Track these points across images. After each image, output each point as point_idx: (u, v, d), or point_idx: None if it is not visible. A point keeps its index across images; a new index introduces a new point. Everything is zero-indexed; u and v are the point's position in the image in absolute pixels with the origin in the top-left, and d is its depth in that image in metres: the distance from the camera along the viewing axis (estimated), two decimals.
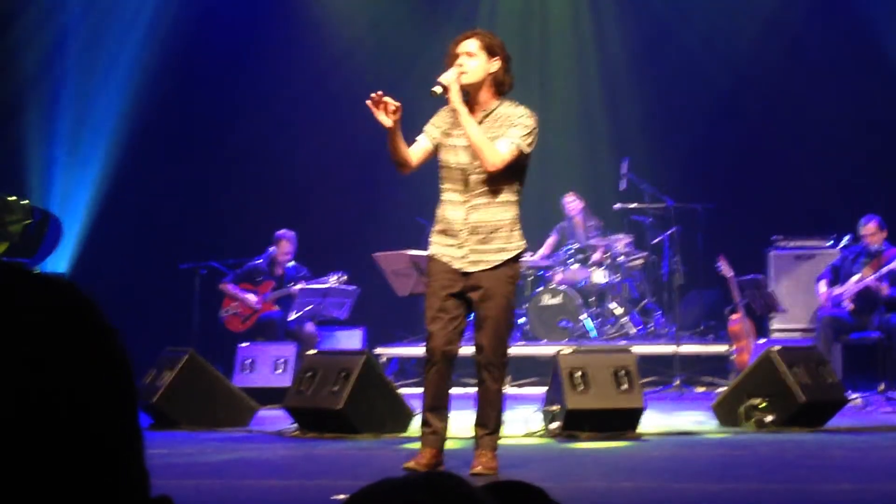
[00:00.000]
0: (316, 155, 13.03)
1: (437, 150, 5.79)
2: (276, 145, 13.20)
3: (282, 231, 11.25)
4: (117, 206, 12.64)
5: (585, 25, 14.11)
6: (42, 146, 12.45)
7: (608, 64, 13.87)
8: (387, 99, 5.48)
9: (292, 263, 11.33)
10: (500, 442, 7.11)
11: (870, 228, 10.25)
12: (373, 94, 5.48)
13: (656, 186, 11.73)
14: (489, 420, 5.74)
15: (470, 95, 5.66)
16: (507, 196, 5.72)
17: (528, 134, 5.69)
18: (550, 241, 12.77)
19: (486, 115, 5.68)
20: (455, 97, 5.56)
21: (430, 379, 5.72)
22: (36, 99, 12.52)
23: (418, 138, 5.82)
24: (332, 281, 10.97)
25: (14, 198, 9.35)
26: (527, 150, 5.68)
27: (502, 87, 5.79)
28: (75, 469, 0.86)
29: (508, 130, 5.64)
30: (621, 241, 12.27)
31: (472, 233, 5.67)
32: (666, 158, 12.81)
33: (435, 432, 5.71)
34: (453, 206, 5.74)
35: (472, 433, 5.85)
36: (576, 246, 12.33)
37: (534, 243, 12.72)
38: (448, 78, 5.57)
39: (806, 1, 13.06)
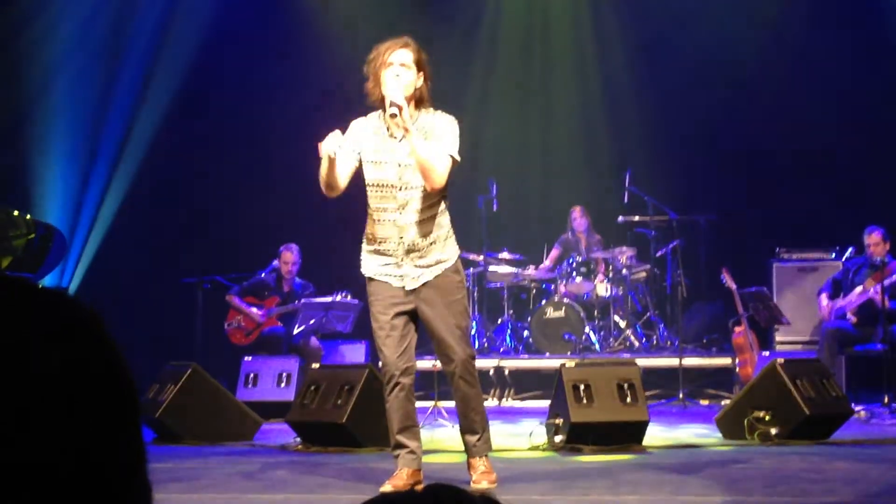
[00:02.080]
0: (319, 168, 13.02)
1: (359, 164, 5.61)
2: (280, 160, 13.21)
3: (285, 244, 11.30)
4: (121, 220, 12.66)
5: (587, 38, 14.14)
6: (46, 160, 12.46)
7: (610, 77, 13.90)
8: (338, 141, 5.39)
9: (299, 280, 11.37)
10: (505, 455, 7.11)
11: (873, 239, 10.25)
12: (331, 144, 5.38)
13: (659, 199, 11.73)
14: (476, 424, 5.67)
15: None
16: (438, 208, 5.59)
17: (457, 141, 5.54)
18: (554, 253, 12.77)
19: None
20: (407, 117, 5.37)
21: (395, 402, 5.62)
22: (40, 113, 12.53)
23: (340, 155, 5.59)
24: (337, 298, 10.99)
25: (17, 212, 9.35)
26: (458, 158, 5.53)
27: (423, 102, 5.60)
28: (78, 484, 0.86)
29: (440, 142, 5.47)
30: (624, 254, 12.28)
31: (408, 251, 5.54)
32: (668, 171, 12.82)
33: (412, 452, 5.63)
34: (384, 225, 5.58)
35: (462, 443, 5.79)
36: (579, 259, 12.33)
37: (537, 255, 12.75)
38: (400, 98, 5.39)
39: (809, 11, 13.06)
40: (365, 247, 5.70)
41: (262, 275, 11.32)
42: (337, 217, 13.04)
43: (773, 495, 5.45)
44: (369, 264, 5.67)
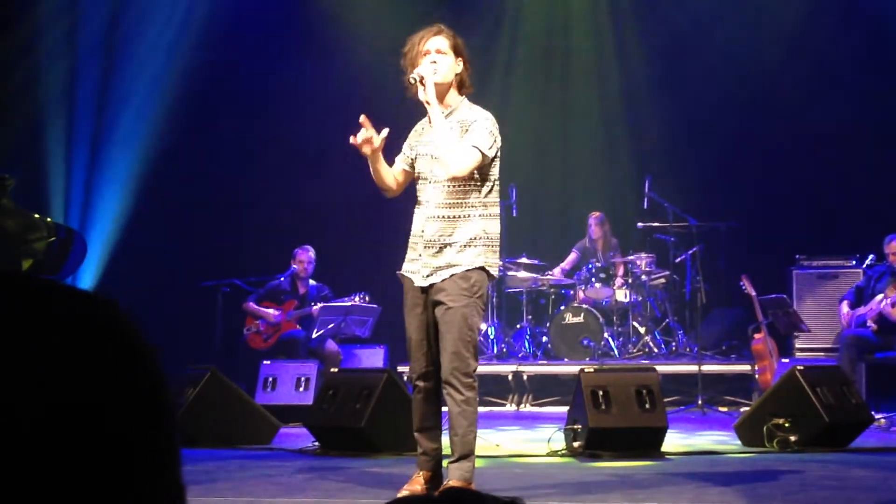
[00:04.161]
0: (339, 172, 13.04)
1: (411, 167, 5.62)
2: (300, 163, 13.23)
3: (300, 246, 11.33)
4: (140, 223, 12.70)
5: (607, 44, 14.13)
6: (67, 163, 12.51)
7: (630, 83, 13.88)
8: (366, 133, 5.41)
9: (314, 283, 11.38)
10: (523, 461, 7.10)
11: (893, 248, 10.20)
12: (362, 134, 5.40)
13: (679, 205, 11.70)
14: (455, 446, 5.38)
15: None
16: (464, 210, 5.43)
17: (489, 136, 5.43)
18: (571, 258, 12.77)
19: (448, 115, 5.49)
20: (431, 92, 5.37)
21: (414, 404, 5.60)
22: (61, 117, 12.59)
23: (397, 159, 5.68)
24: (356, 301, 11.00)
25: (38, 215, 9.39)
26: (489, 154, 5.39)
27: (464, 88, 5.58)
28: (110, 484, 0.87)
29: (469, 135, 5.39)
30: (644, 260, 12.26)
31: (426, 246, 5.44)
32: (688, 177, 12.79)
33: (426, 453, 5.57)
34: (415, 217, 5.57)
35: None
36: (598, 265, 12.31)
37: (556, 261, 12.74)
38: (423, 70, 5.39)
39: (830, 18, 13.02)
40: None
41: (281, 279, 11.33)
42: (356, 220, 13.08)
43: (792, 503, 5.43)
44: (405, 259, 5.62)
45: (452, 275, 5.38)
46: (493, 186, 5.53)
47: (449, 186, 5.43)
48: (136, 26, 12.99)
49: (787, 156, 13.03)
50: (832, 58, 12.88)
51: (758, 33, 13.32)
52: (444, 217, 5.43)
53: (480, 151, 5.37)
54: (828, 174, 12.71)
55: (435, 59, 5.45)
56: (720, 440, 8.28)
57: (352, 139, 5.46)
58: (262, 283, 11.44)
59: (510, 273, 12.33)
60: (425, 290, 5.47)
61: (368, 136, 5.42)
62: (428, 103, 5.40)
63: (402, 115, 6.01)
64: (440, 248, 5.43)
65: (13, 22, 12.32)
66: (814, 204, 12.74)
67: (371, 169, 5.54)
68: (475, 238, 5.44)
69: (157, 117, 12.93)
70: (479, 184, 5.47)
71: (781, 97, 13.06)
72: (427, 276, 5.45)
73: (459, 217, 5.44)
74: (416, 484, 5.55)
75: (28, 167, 11.96)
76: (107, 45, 12.84)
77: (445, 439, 5.57)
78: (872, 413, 8.28)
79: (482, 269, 5.44)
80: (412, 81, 5.40)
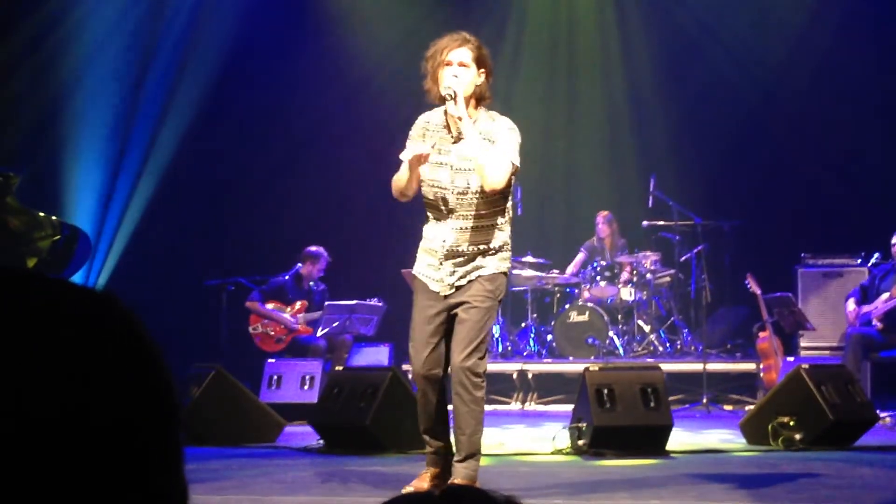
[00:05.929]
0: (344, 171, 13.05)
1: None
2: (305, 162, 13.24)
3: (311, 248, 11.27)
4: (146, 222, 12.71)
5: (613, 43, 14.11)
6: (73, 161, 12.51)
7: (636, 81, 13.87)
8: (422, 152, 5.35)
9: (312, 283, 11.33)
10: (528, 459, 7.10)
11: None
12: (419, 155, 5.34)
13: (684, 204, 11.69)
14: (461, 445, 5.42)
15: None
16: (490, 220, 5.42)
17: (517, 146, 5.38)
18: (579, 258, 12.76)
19: None
20: (462, 107, 5.29)
21: (420, 404, 5.58)
22: (68, 114, 12.58)
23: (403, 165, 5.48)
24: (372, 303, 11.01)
25: (43, 213, 9.39)
26: (518, 164, 5.35)
27: (483, 100, 5.49)
28: (118, 483, 0.87)
29: (498, 146, 5.31)
30: (649, 259, 12.24)
31: (448, 256, 5.41)
32: (693, 175, 12.78)
33: (435, 452, 5.58)
34: (432, 225, 5.52)
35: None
36: (603, 263, 12.31)
37: (561, 260, 12.73)
38: (455, 84, 5.30)
39: (835, 18, 13.00)
40: (421, 245, 5.61)
41: (286, 277, 11.31)
42: (361, 219, 13.08)
43: (796, 501, 5.42)
44: (418, 262, 5.58)
45: (479, 275, 5.40)
46: (510, 196, 5.55)
47: (478, 198, 5.38)
48: (146, 24, 12.97)
49: (792, 154, 13.02)
50: (836, 58, 12.86)
51: (763, 32, 13.31)
52: (472, 228, 5.41)
53: (513, 163, 5.34)
54: (833, 172, 12.70)
55: (456, 73, 5.36)
56: (725, 439, 8.27)
57: (412, 155, 5.34)
58: (267, 281, 11.40)
59: (515, 271, 12.32)
60: (447, 297, 5.46)
61: (421, 154, 5.36)
62: (459, 119, 5.33)
63: (413, 114, 5.97)
64: (469, 258, 5.42)
65: (17, 21, 12.31)
66: (819, 202, 12.72)
67: (405, 177, 5.39)
68: (503, 245, 5.48)
69: (165, 116, 12.94)
70: (505, 192, 5.45)
71: (786, 96, 13.05)
72: (452, 284, 5.43)
73: (487, 226, 5.43)
74: (423, 481, 5.56)
75: (35, 165, 11.97)
76: (116, 41, 12.83)
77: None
78: (877, 411, 8.28)
79: (504, 273, 5.50)
80: (447, 96, 5.30)
